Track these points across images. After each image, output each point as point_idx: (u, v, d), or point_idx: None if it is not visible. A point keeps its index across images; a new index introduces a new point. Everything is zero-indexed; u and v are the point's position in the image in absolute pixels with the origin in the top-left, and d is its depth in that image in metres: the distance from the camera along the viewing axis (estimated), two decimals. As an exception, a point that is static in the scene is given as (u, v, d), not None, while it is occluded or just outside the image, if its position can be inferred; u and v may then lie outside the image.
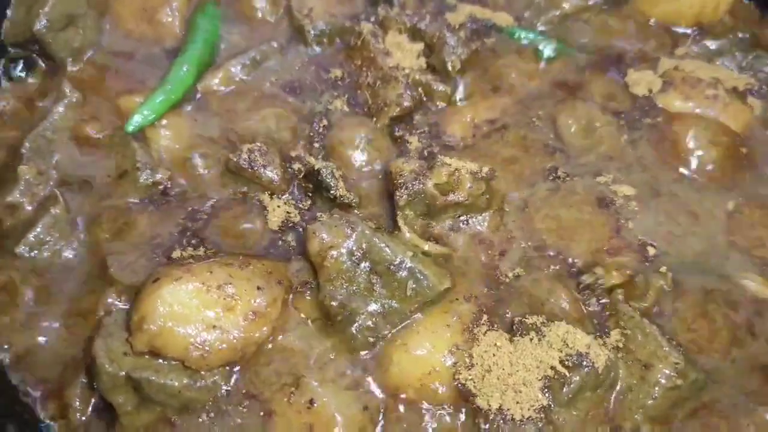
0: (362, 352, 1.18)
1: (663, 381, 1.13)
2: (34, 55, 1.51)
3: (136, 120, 1.41)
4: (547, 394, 1.11)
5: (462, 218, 1.32)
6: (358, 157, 1.42)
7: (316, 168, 1.32)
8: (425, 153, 1.42)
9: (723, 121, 1.52)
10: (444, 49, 1.55)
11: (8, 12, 1.49)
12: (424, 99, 1.51)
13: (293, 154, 1.41)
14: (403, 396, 1.15)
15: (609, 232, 1.36)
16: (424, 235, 1.30)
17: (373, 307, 1.18)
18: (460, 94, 1.55)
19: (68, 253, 1.28)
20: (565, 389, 1.10)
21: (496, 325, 1.20)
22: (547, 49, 1.66)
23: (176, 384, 1.08)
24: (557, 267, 1.30)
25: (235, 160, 1.35)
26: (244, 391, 1.13)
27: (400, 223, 1.28)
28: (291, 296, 1.21)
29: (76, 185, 1.35)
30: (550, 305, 1.24)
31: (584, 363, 1.11)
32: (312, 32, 1.61)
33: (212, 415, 1.11)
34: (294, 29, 1.64)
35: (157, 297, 1.09)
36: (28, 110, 1.45)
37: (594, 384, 1.12)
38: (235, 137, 1.44)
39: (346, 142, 1.43)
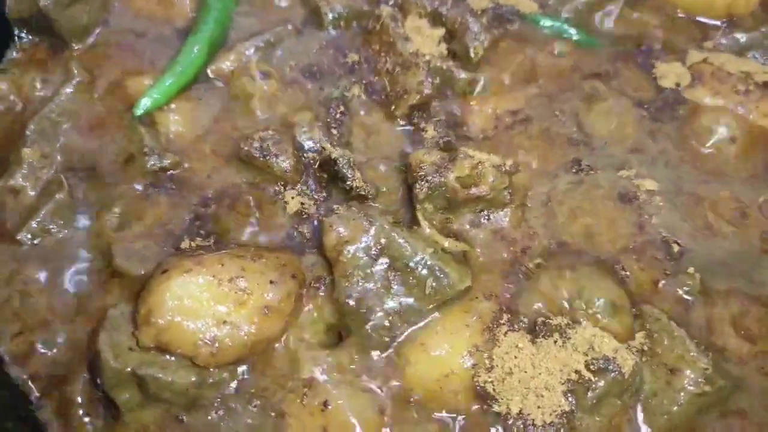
0: (378, 352, 1.13)
1: (690, 387, 1.08)
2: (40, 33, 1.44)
3: (144, 103, 1.35)
4: (570, 399, 1.06)
5: (483, 213, 1.27)
6: (376, 147, 1.36)
7: (332, 157, 1.27)
8: (441, 143, 1.36)
9: (754, 117, 1.47)
10: (466, 35, 1.48)
11: (13, -14, 1.43)
12: (445, 87, 1.45)
13: (308, 142, 1.35)
14: (419, 398, 1.11)
15: (632, 229, 1.31)
16: (443, 230, 1.24)
17: (389, 304, 1.13)
18: (481, 83, 1.49)
19: (72, 242, 1.23)
20: (589, 394, 1.06)
21: (516, 326, 1.15)
22: (572, 38, 1.60)
23: (183, 382, 1.04)
24: (581, 264, 1.25)
25: (246, 148, 1.29)
26: (253, 390, 1.09)
27: (420, 217, 1.23)
28: (305, 291, 1.16)
29: (81, 170, 1.30)
30: (574, 305, 1.20)
31: (611, 367, 1.06)
32: (329, 14, 1.55)
33: (221, 413, 1.07)
34: (310, 11, 1.57)
35: (166, 289, 1.04)
36: (32, 91, 1.39)
37: (619, 389, 1.08)
38: (247, 123, 1.38)
39: (363, 131, 1.37)
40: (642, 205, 1.34)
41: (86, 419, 1.08)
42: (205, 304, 1.04)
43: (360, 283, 1.13)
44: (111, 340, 1.05)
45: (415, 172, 1.23)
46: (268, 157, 1.29)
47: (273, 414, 1.07)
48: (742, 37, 1.65)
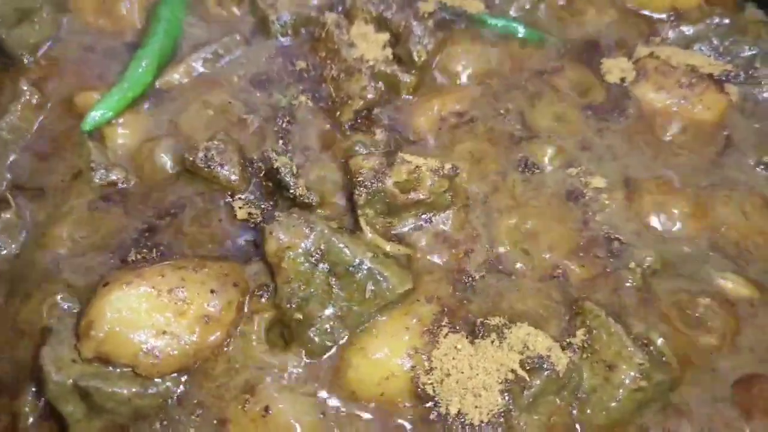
0: (320, 357, 1.15)
1: (627, 382, 1.10)
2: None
3: (92, 118, 1.38)
4: (507, 398, 1.08)
5: (425, 216, 1.29)
6: (321, 154, 1.38)
7: (275, 166, 1.29)
8: (386, 148, 1.38)
9: (698, 110, 1.49)
10: (410, 39, 1.50)
11: (-42, 8, 1.45)
12: (390, 91, 1.47)
13: (254, 151, 1.37)
14: (361, 401, 1.13)
15: (577, 227, 1.33)
16: (386, 234, 1.26)
17: (330, 310, 1.15)
18: (426, 85, 1.51)
19: (20, 258, 1.25)
20: (525, 393, 1.08)
21: (458, 327, 1.17)
22: (519, 37, 1.62)
23: (125, 392, 1.05)
24: (524, 265, 1.27)
25: (191, 159, 1.31)
26: (197, 399, 1.10)
27: (362, 222, 1.25)
28: (247, 299, 1.18)
29: (30, 187, 1.32)
30: (516, 305, 1.22)
31: (545, 366, 1.08)
32: (276, 23, 1.57)
33: (165, 423, 1.09)
34: (258, 20, 1.59)
35: (106, 302, 1.06)
36: (-21, 109, 1.41)
37: (556, 387, 1.10)
38: (195, 135, 1.40)
39: (309, 139, 1.39)
40: (588, 202, 1.36)
41: (31, 429, 1.10)
42: (145, 315, 1.06)
43: (301, 289, 1.15)
44: (54, 354, 1.06)
45: (354, 178, 1.25)
46: (212, 167, 1.31)
47: (215, 421, 1.09)
48: (688, 29, 1.67)
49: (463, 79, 1.54)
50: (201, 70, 1.51)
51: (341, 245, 1.17)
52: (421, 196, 1.25)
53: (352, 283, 1.16)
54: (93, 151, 1.33)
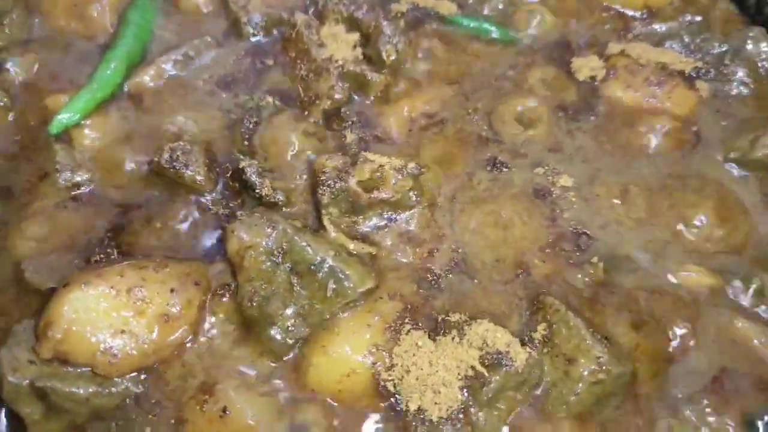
0: (281, 355, 1.15)
1: (586, 375, 1.10)
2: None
3: (60, 121, 1.38)
4: (466, 395, 1.08)
5: (389, 216, 1.29)
6: (288, 155, 1.38)
7: (240, 166, 1.29)
8: (361, 147, 1.38)
9: (666, 108, 1.49)
10: (380, 39, 1.51)
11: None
12: (359, 91, 1.47)
13: (221, 152, 1.38)
14: (322, 399, 1.13)
15: (544, 224, 1.33)
16: (350, 233, 1.26)
17: (292, 308, 1.15)
18: (396, 85, 1.51)
19: (-16, 260, 1.26)
20: (484, 389, 1.08)
21: (420, 324, 1.17)
22: (491, 37, 1.63)
23: (82, 392, 1.06)
24: (488, 263, 1.27)
25: (156, 159, 1.31)
26: (155, 399, 1.11)
27: (325, 221, 1.25)
28: (209, 298, 1.18)
29: (-4, 191, 1.32)
30: (479, 302, 1.22)
31: (504, 362, 1.08)
32: (248, 24, 1.57)
33: (121, 423, 1.09)
34: (230, 22, 1.60)
35: (64, 302, 1.07)
36: (-51, 112, 1.42)
37: (515, 383, 1.10)
38: (163, 136, 1.40)
39: (275, 139, 1.40)
40: (555, 200, 1.37)
41: (-7, 433, 1.11)
42: (103, 315, 1.06)
43: (263, 288, 1.15)
44: (11, 355, 1.07)
45: (318, 177, 1.26)
46: (178, 168, 1.31)
47: (173, 421, 1.09)
48: (660, 27, 1.67)
49: (433, 80, 1.54)
50: (171, 72, 1.51)
51: (303, 243, 1.17)
52: (385, 195, 1.25)
53: (314, 281, 1.16)
54: (59, 153, 1.34)
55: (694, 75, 1.55)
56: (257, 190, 1.28)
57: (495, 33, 1.63)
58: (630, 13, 1.71)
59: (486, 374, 1.08)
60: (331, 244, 1.21)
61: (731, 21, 1.67)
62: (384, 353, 1.12)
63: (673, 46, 1.62)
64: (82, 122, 1.40)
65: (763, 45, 1.58)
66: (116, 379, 1.08)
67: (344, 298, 1.16)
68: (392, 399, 1.10)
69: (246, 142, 1.40)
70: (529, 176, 1.39)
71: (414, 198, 1.28)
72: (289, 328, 1.15)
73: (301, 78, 1.48)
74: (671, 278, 1.25)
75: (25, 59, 1.50)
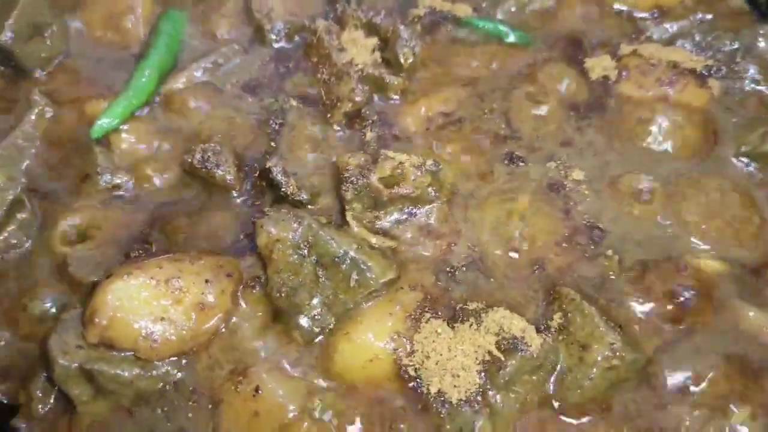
0: (308, 342, 1.22)
1: (599, 360, 1.15)
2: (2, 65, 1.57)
3: (99, 126, 1.47)
4: (484, 378, 1.14)
5: (410, 210, 1.35)
6: (311, 154, 1.45)
7: (267, 166, 1.37)
8: (374, 146, 1.45)
9: (678, 106, 1.53)
10: (397, 43, 1.57)
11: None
12: (378, 93, 1.54)
13: (249, 152, 1.46)
14: (346, 382, 1.19)
15: (559, 217, 1.38)
16: (372, 228, 1.33)
17: (318, 298, 1.22)
18: (414, 86, 1.58)
19: (33, 255, 1.35)
20: (501, 372, 1.13)
21: (439, 313, 1.23)
22: (506, 39, 1.68)
23: (127, 374, 1.14)
24: (505, 255, 1.33)
25: (189, 160, 1.40)
26: (193, 382, 1.18)
27: (348, 217, 1.32)
28: (241, 289, 1.25)
29: (43, 190, 1.42)
30: (496, 293, 1.28)
31: (519, 347, 1.14)
32: (271, 32, 1.65)
33: (166, 407, 1.17)
34: (254, 29, 1.68)
35: (108, 291, 1.15)
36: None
37: (531, 367, 1.15)
38: (195, 139, 1.49)
39: (300, 140, 1.47)
40: (568, 194, 1.42)
41: (46, 413, 1.20)
42: (144, 303, 1.15)
43: (290, 279, 1.22)
44: (61, 340, 1.15)
45: (341, 174, 1.32)
46: (209, 168, 1.39)
47: (210, 406, 1.17)
48: (671, 26, 1.71)
49: (449, 81, 1.60)
50: (201, 78, 1.60)
51: (327, 237, 1.24)
52: (405, 191, 1.32)
53: (337, 273, 1.23)
54: (99, 157, 1.43)
55: (706, 73, 1.59)
56: (283, 189, 1.35)
57: (510, 35, 1.69)
58: (641, 14, 1.75)
59: (502, 359, 1.13)
60: (354, 237, 1.28)
61: (742, 18, 1.71)
62: (405, 340, 1.19)
63: (685, 45, 1.66)
64: (120, 127, 1.49)
65: (774, 42, 1.62)
66: (157, 363, 1.17)
67: (366, 288, 1.23)
68: (413, 383, 1.16)
69: (272, 143, 1.48)
70: (543, 170, 1.45)
71: (433, 193, 1.35)
72: (316, 317, 1.22)
73: (323, 81, 1.56)
74: (686, 265, 1.30)
75: (65, 68, 1.60)
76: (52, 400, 1.20)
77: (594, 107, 1.56)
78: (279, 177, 1.35)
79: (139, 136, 1.49)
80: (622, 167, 1.46)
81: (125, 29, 1.66)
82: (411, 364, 1.17)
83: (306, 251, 1.24)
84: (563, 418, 1.17)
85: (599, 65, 1.61)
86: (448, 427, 1.12)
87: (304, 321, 1.21)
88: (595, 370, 1.16)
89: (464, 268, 1.31)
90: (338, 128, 1.51)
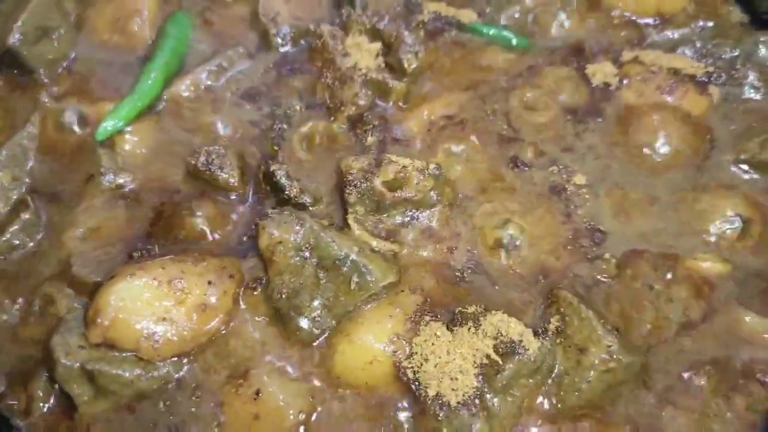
0: (309, 344, 1.23)
1: (596, 363, 1.16)
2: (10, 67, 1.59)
3: (104, 128, 1.48)
4: (482, 381, 1.15)
5: (412, 213, 1.36)
6: (314, 158, 1.47)
7: (270, 170, 1.38)
8: (377, 150, 1.46)
9: (678, 113, 1.53)
10: (401, 48, 1.59)
11: (-19, 26, 1.57)
12: (381, 97, 1.56)
13: (252, 156, 1.47)
14: (346, 384, 1.20)
15: (560, 220, 1.39)
16: (374, 231, 1.34)
17: (319, 300, 1.24)
18: (417, 91, 1.59)
19: (36, 255, 1.36)
20: (498, 376, 1.14)
21: (439, 316, 1.24)
22: (510, 45, 1.70)
23: (128, 375, 1.15)
24: (506, 259, 1.34)
25: (193, 162, 1.41)
26: (195, 383, 1.20)
27: (350, 220, 1.33)
28: (242, 290, 1.27)
29: (46, 191, 1.43)
30: (495, 297, 1.29)
31: (517, 350, 1.14)
32: (276, 36, 1.67)
33: (168, 403, 1.18)
34: (260, 34, 1.69)
35: (111, 292, 1.16)
36: (3, 119, 1.53)
37: (529, 370, 1.16)
38: (199, 142, 1.50)
39: (304, 143, 1.49)
40: (570, 197, 1.43)
41: (47, 412, 1.21)
42: (146, 304, 1.16)
43: (291, 281, 1.24)
44: (63, 340, 1.17)
45: (345, 178, 1.34)
46: (213, 170, 1.40)
47: (212, 404, 1.18)
48: (673, 33, 1.72)
49: (452, 85, 1.61)
50: (206, 82, 1.61)
51: (329, 240, 1.25)
52: (408, 195, 1.33)
53: (338, 275, 1.24)
54: (103, 158, 1.44)
55: (706, 80, 1.60)
56: (286, 192, 1.36)
57: (514, 40, 1.70)
58: (644, 21, 1.76)
59: (500, 362, 1.14)
60: (356, 241, 1.29)
61: (743, 26, 1.72)
62: (404, 342, 1.20)
63: (686, 52, 1.67)
64: (125, 129, 1.50)
65: (774, 50, 1.63)
66: (159, 363, 1.18)
67: (367, 291, 1.24)
68: (412, 386, 1.17)
69: (275, 147, 1.49)
70: (545, 175, 1.46)
71: (435, 197, 1.36)
72: (316, 319, 1.23)
73: (327, 86, 1.57)
74: (682, 268, 1.31)
75: (71, 70, 1.62)
76: (52, 400, 1.22)
77: (594, 113, 1.57)
78: (282, 180, 1.36)
79: (144, 138, 1.51)
80: (622, 173, 1.47)
81: (132, 32, 1.67)
82: (410, 366, 1.18)
83: (307, 253, 1.25)
84: (560, 421, 1.18)
85: (601, 71, 1.62)
86: (445, 430, 1.13)
87: (304, 322, 1.23)
88: (592, 372, 1.17)
89: (464, 272, 1.32)
90: (341, 132, 1.52)
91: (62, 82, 1.61)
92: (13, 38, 1.53)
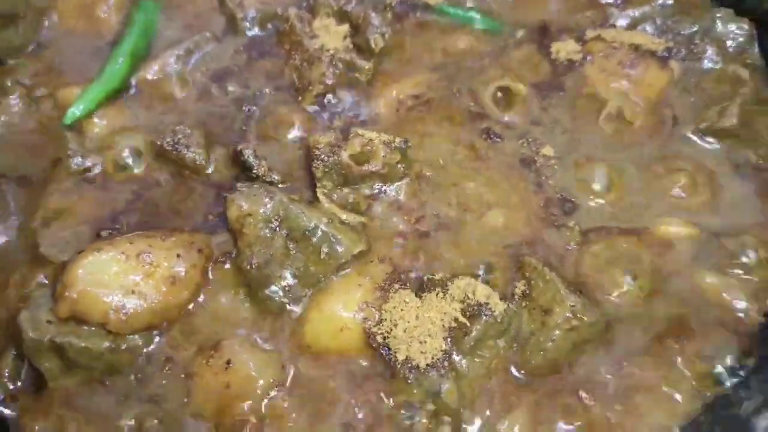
0: (278, 315, 1.24)
1: (560, 322, 1.18)
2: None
3: (72, 113, 1.48)
4: (450, 343, 1.17)
5: (379, 187, 1.38)
6: (282, 137, 1.48)
7: (238, 149, 1.39)
8: (350, 128, 1.48)
9: (639, 87, 1.58)
10: (368, 29, 1.61)
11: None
12: (348, 77, 1.57)
13: (221, 136, 1.48)
14: (317, 352, 1.21)
15: (532, 190, 1.42)
16: (343, 204, 1.36)
17: (289, 270, 1.25)
18: (384, 71, 1.61)
19: (5, 238, 1.36)
20: (466, 338, 1.16)
21: (408, 284, 1.26)
22: (476, 25, 1.73)
23: (97, 347, 1.15)
24: (474, 227, 1.36)
25: (159, 143, 1.41)
26: (165, 355, 1.20)
27: (319, 193, 1.34)
28: (211, 264, 1.27)
29: (14, 175, 1.43)
30: (465, 267, 1.31)
31: (484, 312, 1.16)
32: (244, 20, 1.68)
33: (139, 376, 1.18)
34: (227, 18, 1.70)
35: (79, 266, 1.16)
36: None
37: (495, 332, 1.18)
38: (167, 124, 1.50)
39: (271, 123, 1.50)
40: (539, 168, 1.46)
41: (16, 389, 1.20)
42: (114, 277, 1.16)
43: (261, 252, 1.25)
44: (31, 316, 1.16)
45: (312, 152, 1.35)
46: (179, 150, 1.41)
47: (183, 375, 1.18)
48: (635, 12, 1.76)
49: (418, 65, 1.63)
50: (174, 65, 1.61)
51: (299, 211, 1.26)
52: (375, 168, 1.35)
53: (308, 246, 1.25)
54: (70, 141, 1.44)
55: (666, 55, 1.64)
56: (254, 171, 1.37)
57: (479, 21, 1.73)
58: (606, 1, 1.80)
59: (468, 324, 1.16)
60: (325, 212, 1.31)
61: (702, 3, 1.76)
62: (374, 310, 1.21)
63: (647, 28, 1.71)
64: (93, 113, 1.50)
65: (730, 25, 1.67)
66: (128, 336, 1.18)
67: (336, 260, 1.25)
68: (382, 350, 1.19)
69: (243, 127, 1.51)
70: (515, 146, 1.49)
71: (402, 170, 1.38)
72: (286, 288, 1.24)
73: (295, 67, 1.58)
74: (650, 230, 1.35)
75: (38, 56, 1.61)
76: (23, 376, 1.21)
77: (559, 88, 1.60)
78: (250, 159, 1.37)
79: (112, 122, 1.51)
80: (588, 146, 1.51)
81: (98, 18, 1.67)
82: (379, 332, 1.19)
83: (277, 225, 1.26)
84: (527, 380, 1.20)
85: (564, 49, 1.65)
86: (415, 391, 1.14)
87: (274, 292, 1.24)
88: (557, 332, 1.19)
89: (433, 241, 1.34)
90: (309, 111, 1.53)
91: (30, 68, 1.61)
92: (-22, 25, 1.53)
